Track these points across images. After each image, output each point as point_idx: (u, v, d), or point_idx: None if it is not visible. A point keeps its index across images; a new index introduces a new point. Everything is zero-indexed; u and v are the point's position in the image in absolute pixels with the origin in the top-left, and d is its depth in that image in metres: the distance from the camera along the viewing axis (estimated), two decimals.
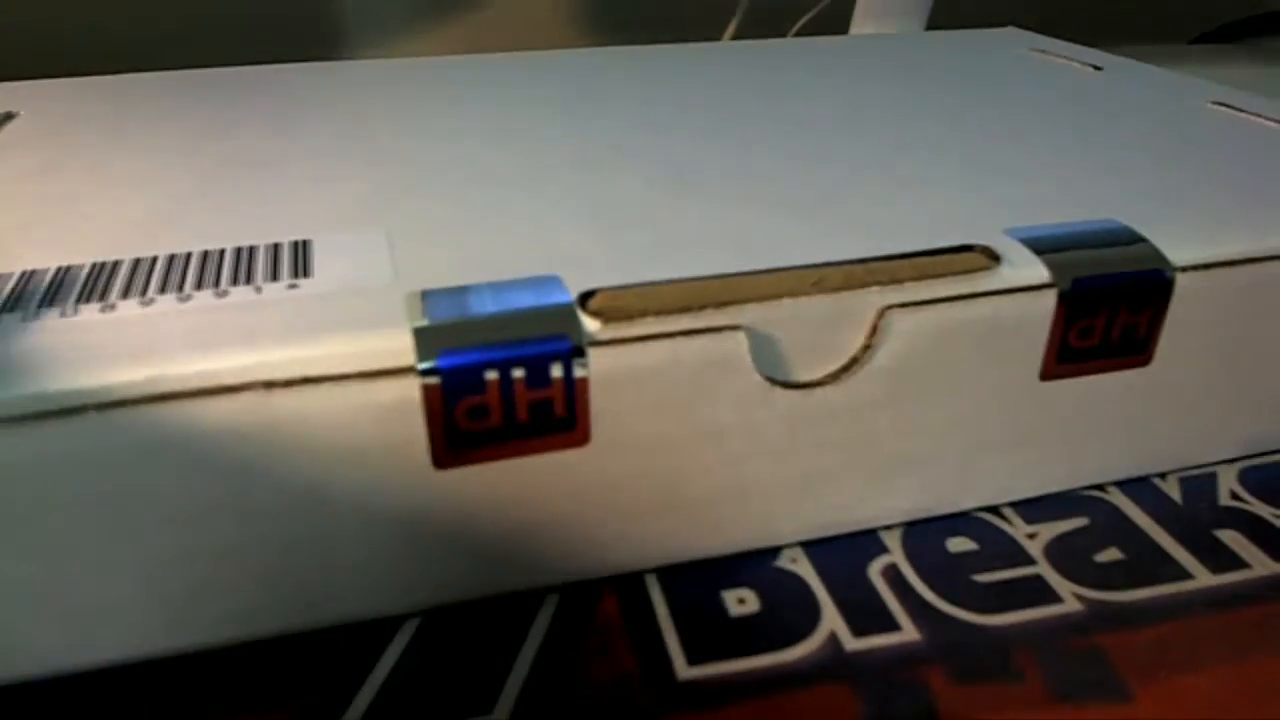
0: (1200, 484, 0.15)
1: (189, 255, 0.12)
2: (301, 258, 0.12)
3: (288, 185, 0.15)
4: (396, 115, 0.19)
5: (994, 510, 0.14)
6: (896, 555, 0.13)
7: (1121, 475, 0.15)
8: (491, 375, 0.11)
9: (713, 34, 0.37)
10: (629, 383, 0.11)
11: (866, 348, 0.12)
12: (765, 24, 0.36)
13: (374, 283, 0.12)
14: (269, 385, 0.10)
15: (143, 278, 0.12)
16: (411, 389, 0.10)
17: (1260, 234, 0.13)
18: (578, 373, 0.11)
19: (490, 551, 0.12)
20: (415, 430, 0.11)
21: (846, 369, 0.12)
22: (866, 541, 0.14)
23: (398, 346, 0.10)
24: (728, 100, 0.20)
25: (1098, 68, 0.23)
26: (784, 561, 0.13)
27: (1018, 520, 0.14)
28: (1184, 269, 0.13)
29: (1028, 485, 0.14)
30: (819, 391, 0.12)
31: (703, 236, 0.13)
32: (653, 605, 0.13)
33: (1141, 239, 0.13)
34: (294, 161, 0.16)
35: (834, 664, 0.12)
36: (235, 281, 0.12)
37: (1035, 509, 0.14)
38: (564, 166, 0.16)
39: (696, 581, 0.13)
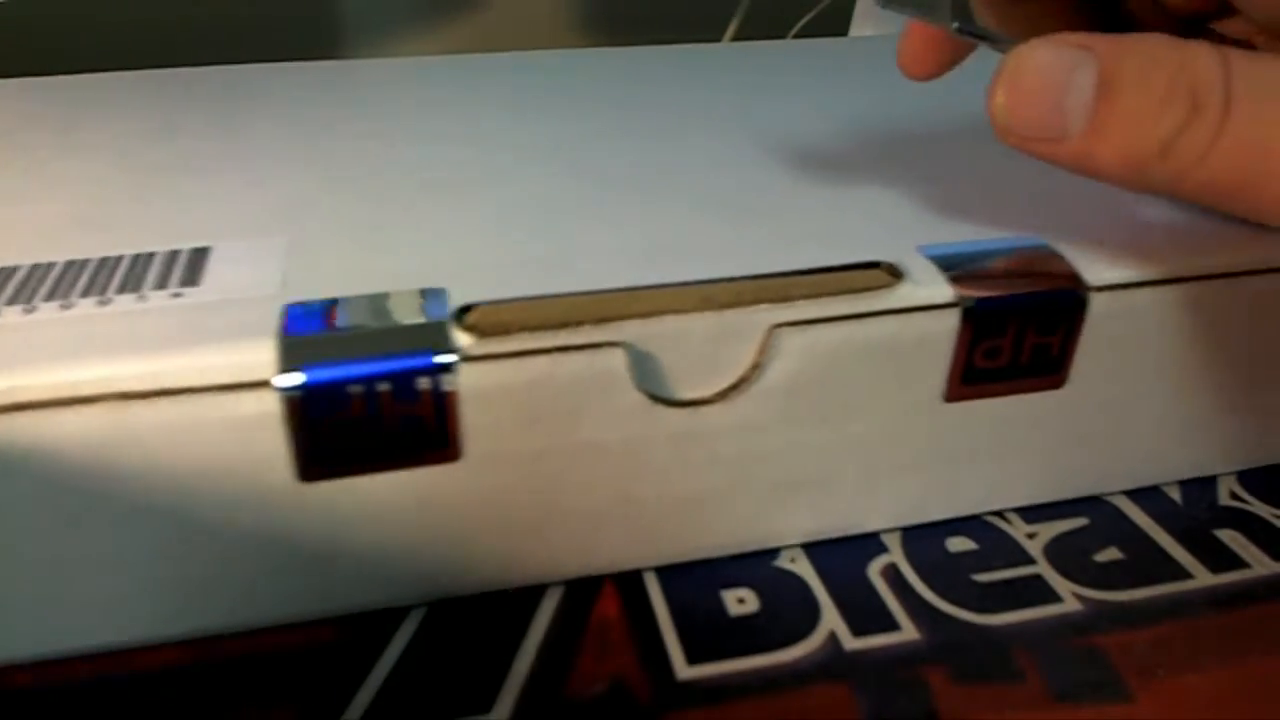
0: (1200, 484, 0.15)
1: (86, 262, 0.12)
2: (195, 266, 0.12)
3: (213, 189, 0.15)
4: (349, 118, 0.19)
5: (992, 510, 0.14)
6: (896, 555, 0.13)
7: (1040, 499, 0.14)
8: (356, 389, 0.10)
9: (713, 34, 0.37)
10: (503, 398, 0.11)
11: (755, 366, 0.12)
12: (765, 25, 0.36)
13: (259, 293, 0.12)
14: (125, 397, 0.10)
15: (34, 285, 0.12)
16: (273, 402, 0.10)
17: (1187, 253, 0.13)
18: (446, 387, 0.11)
19: (361, 565, 0.12)
20: (278, 444, 0.11)
21: (735, 387, 0.12)
22: (866, 541, 0.14)
23: (261, 360, 0.10)
24: (703, 103, 0.19)
25: None
26: (783, 561, 0.13)
27: (1017, 520, 0.14)
28: (1100, 288, 0.12)
29: (937, 507, 0.14)
30: (706, 410, 0.12)
31: (610, 248, 0.13)
32: (652, 605, 0.12)
33: (1056, 256, 0.12)
34: (228, 164, 0.16)
35: (834, 664, 0.12)
36: (123, 289, 0.12)
37: (1034, 508, 0.14)
38: (501, 172, 0.15)
39: (696, 581, 0.13)
